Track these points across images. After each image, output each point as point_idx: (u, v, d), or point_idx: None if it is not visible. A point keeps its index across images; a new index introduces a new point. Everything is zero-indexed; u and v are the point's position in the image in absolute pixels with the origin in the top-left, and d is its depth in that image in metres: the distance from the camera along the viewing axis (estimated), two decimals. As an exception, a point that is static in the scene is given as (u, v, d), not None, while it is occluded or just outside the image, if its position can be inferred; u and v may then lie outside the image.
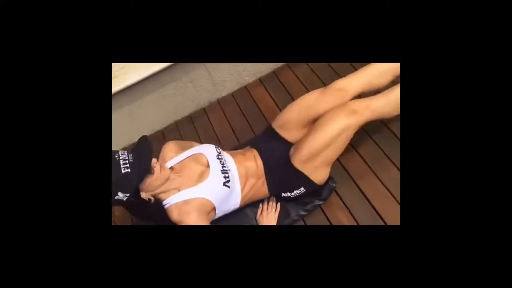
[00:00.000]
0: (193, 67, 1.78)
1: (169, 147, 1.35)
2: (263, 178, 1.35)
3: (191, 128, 1.91)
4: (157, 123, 1.95)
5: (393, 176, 1.35)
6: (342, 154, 1.45)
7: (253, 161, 1.35)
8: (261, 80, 1.96)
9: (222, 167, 1.25)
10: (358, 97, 1.30)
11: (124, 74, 1.67)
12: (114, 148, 1.95)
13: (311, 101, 1.34)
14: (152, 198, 1.18)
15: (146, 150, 1.14)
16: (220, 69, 1.85)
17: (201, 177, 1.23)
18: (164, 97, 1.82)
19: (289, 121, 1.38)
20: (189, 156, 1.30)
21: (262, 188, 1.35)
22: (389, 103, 1.24)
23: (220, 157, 1.29)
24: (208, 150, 1.31)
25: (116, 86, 1.64)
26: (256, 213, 1.39)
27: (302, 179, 1.29)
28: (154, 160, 1.15)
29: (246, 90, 1.96)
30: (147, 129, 1.95)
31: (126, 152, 1.10)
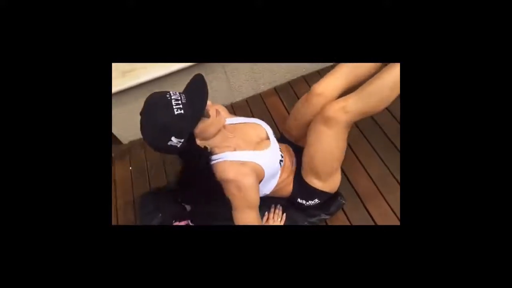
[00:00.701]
0: (212, 69, 1.79)
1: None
2: (292, 177, 1.33)
3: (202, 128, 1.92)
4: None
5: (401, 201, 1.39)
6: (352, 174, 1.51)
7: (289, 157, 1.34)
8: (276, 90, 1.99)
9: (279, 146, 1.25)
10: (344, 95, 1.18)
11: (143, 68, 1.68)
12: (126, 141, 1.97)
13: (296, 112, 1.34)
14: (208, 147, 1.05)
15: (200, 90, 0.97)
16: (238, 74, 1.87)
17: (259, 145, 1.17)
18: (180, 95, 1.83)
19: (289, 128, 1.44)
20: (244, 122, 1.24)
21: (288, 187, 1.33)
22: (363, 100, 1.09)
23: (274, 136, 1.28)
24: (267, 126, 1.29)
25: (135, 80, 1.64)
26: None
27: (315, 192, 1.32)
28: (209, 102, 0.99)
29: (260, 97, 1.98)
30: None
31: (177, 92, 0.96)
